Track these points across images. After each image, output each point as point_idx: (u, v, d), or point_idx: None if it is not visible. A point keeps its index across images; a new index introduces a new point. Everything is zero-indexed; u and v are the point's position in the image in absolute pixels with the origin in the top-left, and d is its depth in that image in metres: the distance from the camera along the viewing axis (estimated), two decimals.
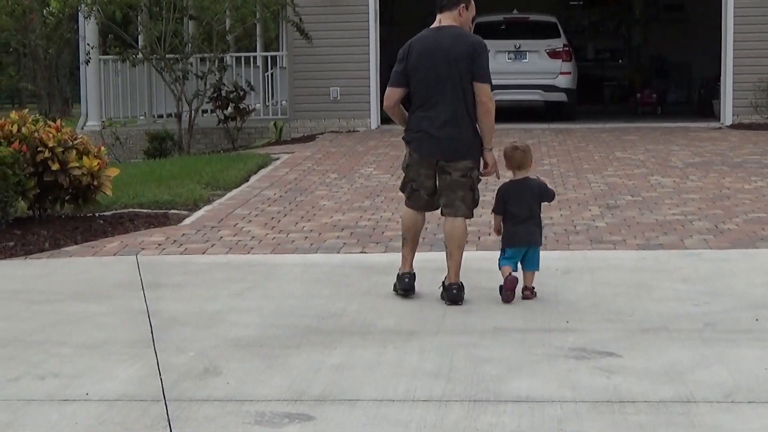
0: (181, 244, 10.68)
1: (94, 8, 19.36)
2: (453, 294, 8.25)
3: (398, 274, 8.64)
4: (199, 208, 12.70)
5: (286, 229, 11.36)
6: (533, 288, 8.41)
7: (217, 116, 20.63)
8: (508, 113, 22.25)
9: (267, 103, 23.13)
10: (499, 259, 8.47)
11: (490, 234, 10.77)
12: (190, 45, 19.74)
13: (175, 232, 11.30)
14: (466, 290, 8.35)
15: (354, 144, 18.49)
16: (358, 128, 20.92)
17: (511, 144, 8.65)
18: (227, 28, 20.74)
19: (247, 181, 14.83)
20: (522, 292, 8.35)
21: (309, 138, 19.94)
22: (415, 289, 8.55)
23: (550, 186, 9.23)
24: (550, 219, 11.40)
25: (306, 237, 10.97)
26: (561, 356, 6.92)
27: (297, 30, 20.12)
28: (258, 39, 32.51)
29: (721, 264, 9.48)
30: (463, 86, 8.18)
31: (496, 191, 8.73)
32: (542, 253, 8.81)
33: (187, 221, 11.94)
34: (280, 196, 13.39)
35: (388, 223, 11.55)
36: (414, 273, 8.57)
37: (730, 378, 6.43)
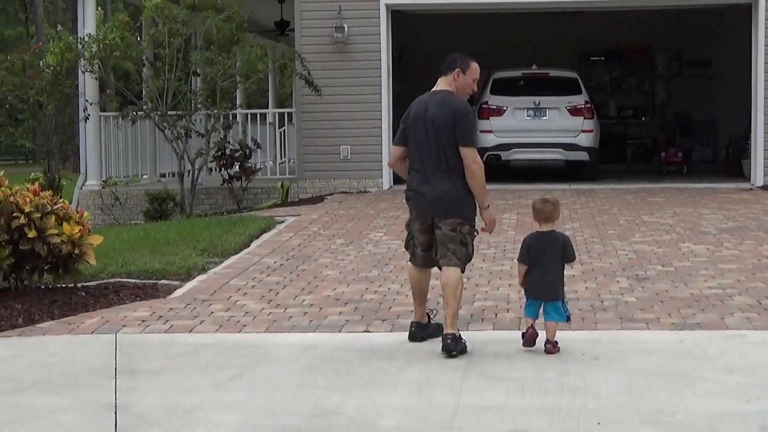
0: (167, 321, 9.65)
1: (93, 63, 18.47)
2: (447, 344, 8.40)
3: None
4: (192, 278, 11.69)
5: (284, 303, 10.33)
6: (555, 342, 8.38)
7: (222, 176, 19.65)
8: (527, 173, 21.34)
9: (278, 162, 22.22)
10: (525, 309, 8.64)
11: (508, 310, 9.78)
12: (193, 101, 18.77)
13: (162, 305, 10.27)
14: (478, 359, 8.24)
15: (364, 206, 17.48)
16: (370, 189, 19.94)
17: (541, 196, 8.74)
18: (236, 84, 19.74)
19: (248, 246, 13.82)
20: (544, 346, 8.37)
21: (317, 199, 18.96)
22: (425, 338, 8.80)
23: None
24: (575, 292, 10.37)
25: (305, 312, 9.94)
26: None
27: (306, 83, 19.16)
28: (270, 95, 31.76)
29: None
30: (446, 150, 8.52)
31: (521, 242, 8.76)
32: (568, 334, 8.46)
33: (178, 293, 10.92)
34: (281, 265, 12.38)
35: (397, 297, 10.52)
36: (422, 323, 8.88)
37: None
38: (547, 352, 8.31)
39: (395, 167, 9.11)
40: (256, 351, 8.68)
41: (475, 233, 8.69)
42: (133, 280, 11.45)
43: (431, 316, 9.06)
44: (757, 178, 19.74)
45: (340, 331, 9.26)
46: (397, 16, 22.78)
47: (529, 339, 8.42)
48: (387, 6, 20.14)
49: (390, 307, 10.09)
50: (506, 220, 15.37)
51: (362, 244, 13.72)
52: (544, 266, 8.48)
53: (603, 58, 29.07)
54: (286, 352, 8.61)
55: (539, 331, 8.45)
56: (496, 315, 9.68)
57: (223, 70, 18.50)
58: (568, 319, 8.55)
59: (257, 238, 14.45)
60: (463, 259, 8.60)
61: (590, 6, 22.67)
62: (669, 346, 8.53)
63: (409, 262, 9.04)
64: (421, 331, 8.84)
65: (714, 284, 10.80)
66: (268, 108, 29.67)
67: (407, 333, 8.92)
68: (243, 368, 8.16)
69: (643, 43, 28.58)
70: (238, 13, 18.63)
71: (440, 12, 23.34)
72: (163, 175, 22.63)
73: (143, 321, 9.63)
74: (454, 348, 8.34)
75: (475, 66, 8.78)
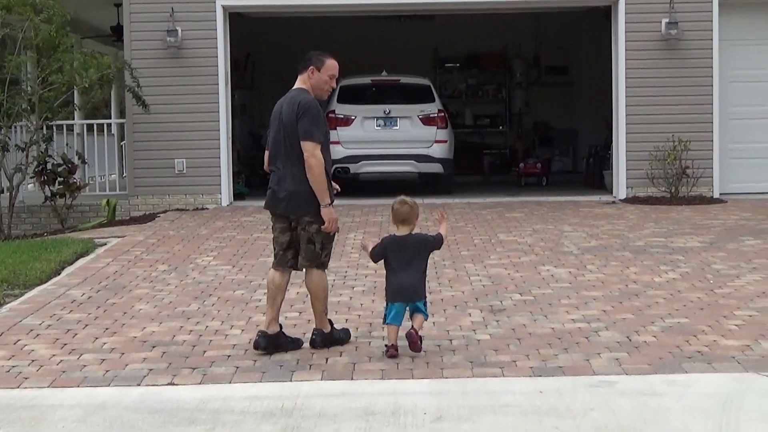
0: None
1: None
2: (312, 339, 8.58)
3: None
4: None
5: (80, 348, 8.77)
6: (416, 334, 8.25)
7: (44, 192, 17.89)
8: (377, 187, 19.92)
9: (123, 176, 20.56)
10: (384, 316, 8.45)
11: (341, 354, 8.38)
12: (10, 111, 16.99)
13: None
14: None
15: (197, 225, 15.92)
16: (208, 205, 18.38)
17: (400, 197, 8.58)
18: (61, 93, 18.01)
19: (58, 275, 12.21)
20: (406, 336, 8.23)
21: (149, 217, 17.34)
22: (266, 347, 8.45)
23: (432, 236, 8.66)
24: (420, 330, 8.98)
25: (103, 360, 8.39)
26: None
27: (134, 97, 17.54)
28: (112, 103, 29.87)
29: (644, 400, 7.10)
30: (293, 146, 8.49)
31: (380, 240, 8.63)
32: (408, 384, 7.50)
33: None
34: (89, 298, 10.79)
35: (214, 338, 9.03)
36: (268, 333, 8.51)
37: None
38: (412, 341, 8.19)
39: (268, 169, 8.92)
40: (30, 414, 7.11)
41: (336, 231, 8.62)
42: None
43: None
44: (620, 191, 18.68)
45: (139, 384, 7.74)
46: (238, 19, 21.32)
47: (392, 356, 8.22)
48: (224, 8, 18.56)
49: (204, 351, 8.59)
50: (350, 240, 14.00)
51: (187, 271, 12.20)
52: (405, 269, 8.35)
53: (459, 64, 27.87)
54: (67, 415, 7.05)
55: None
56: (326, 360, 8.26)
57: (42, 77, 16.78)
58: (427, 317, 8.49)
59: (71, 264, 12.84)
60: (313, 258, 8.51)
61: (442, 8, 21.33)
62: (527, 399, 7.17)
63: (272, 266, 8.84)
64: (264, 341, 8.50)
65: (578, 316, 9.53)
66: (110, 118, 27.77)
67: (220, 385, 7.63)
68: None
69: (500, 50, 27.49)
70: (60, 14, 16.88)
71: (282, 15, 21.89)
72: None
73: None
74: (318, 344, 8.50)
75: (331, 63, 8.69)
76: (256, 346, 8.47)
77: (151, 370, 8.09)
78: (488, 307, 10.02)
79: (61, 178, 17.69)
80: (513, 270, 11.84)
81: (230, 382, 7.75)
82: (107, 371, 8.08)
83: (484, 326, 9.25)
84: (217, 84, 18.43)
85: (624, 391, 7.31)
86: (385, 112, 19.83)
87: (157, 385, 7.71)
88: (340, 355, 8.37)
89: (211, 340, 8.95)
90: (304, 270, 8.64)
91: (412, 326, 8.27)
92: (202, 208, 18.18)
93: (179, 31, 18.25)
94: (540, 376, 7.72)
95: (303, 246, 8.51)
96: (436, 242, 8.59)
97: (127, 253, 13.49)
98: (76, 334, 9.24)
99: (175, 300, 10.62)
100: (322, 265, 8.59)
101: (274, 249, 8.74)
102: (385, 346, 8.35)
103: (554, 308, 9.88)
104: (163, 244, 14.15)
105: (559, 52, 26.81)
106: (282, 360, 8.26)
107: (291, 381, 7.73)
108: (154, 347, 8.75)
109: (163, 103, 18.23)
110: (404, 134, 19.79)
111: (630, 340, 8.64)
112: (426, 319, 8.46)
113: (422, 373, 7.84)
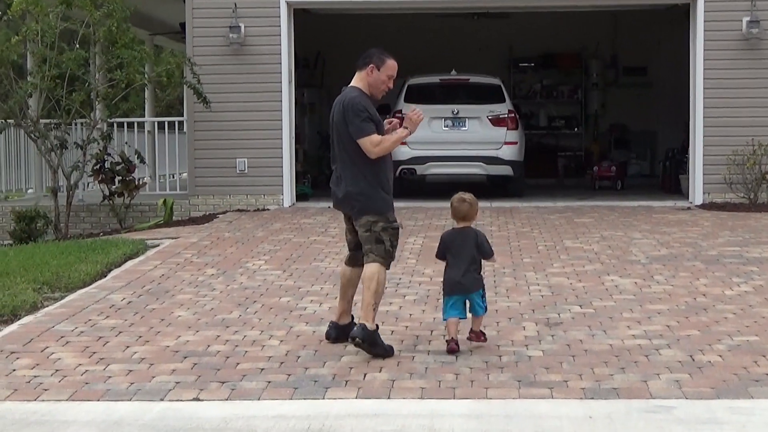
0: None
1: None
2: (353, 332, 8.23)
3: None
4: (16, 321, 9.66)
5: (109, 357, 8.32)
6: (479, 332, 8.46)
7: (102, 191, 17.56)
8: (445, 189, 19.29)
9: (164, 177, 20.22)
10: (443, 311, 8.48)
11: (381, 369, 7.84)
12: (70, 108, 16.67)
13: None
14: None
15: (254, 227, 15.46)
16: (269, 206, 17.92)
17: (459, 194, 8.65)
18: (122, 89, 17.70)
19: (104, 277, 11.82)
20: (468, 335, 8.45)
21: (208, 218, 16.93)
22: (336, 337, 8.58)
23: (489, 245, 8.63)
24: (469, 342, 8.45)
25: (130, 371, 7.93)
26: None
27: (195, 93, 17.13)
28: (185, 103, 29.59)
29: (703, 429, 6.48)
30: (345, 147, 8.43)
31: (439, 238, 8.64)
32: (445, 405, 7.01)
33: None
34: (129, 303, 10.36)
35: (250, 349, 8.53)
36: (340, 324, 8.64)
37: None
38: (469, 339, 8.41)
39: None
40: (41, 431, 6.66)
41: (400, 227, 8.61)
42: None
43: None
44: (696, 196, 17.94)
45: (162, 399, 7.26)
46: (307, 17, 20.92)
47: (452, 351, 8.23)
48: (288, 3, 18.07)
49: (237, 364, 8.09)
50: (409, 245, 13.43)
51: (235, 275, 11.73)
52: (462, 262, 8.38)
53: (533, 64, 27.15)
54: None
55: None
56: (364, 376, 7.72)
57: (101, 72, 16.44)
58: (484, 310, 8.49)
59: (119, 266, 12.44)
60: (384, 255, 8.34)
61: (517, 6, 20.71)
62: (574, 426, 6.58)
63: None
64: (334, 332, 8.66)
65: (639, 332, 8.90)
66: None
67: (247, 402, 7.18)
68: None
69: (577, 49, 26.73)
70: (121, 8, 16.52)
71: (349, 12, 21.33)
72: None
73: None
74: (358, 335, 8.14)
75: (391, 63, 8.53)
76: (328, 336, 8.65)
77: (178, 383, 7.61)
78: (545, 319, 9.43)
79: (120, 177, 17.33)
80: (575, 279, 11.23)
81: (259, 398, 7.25)
82: (132, 383, 7.61)
83: (538, 341, 8.66)
84: (281, 82, 17.97)
85: (681, 418, 6.69)
86: (453, 112, 19.24)
87: (181, 401, 7.23)
88: (380, 371, 7.83)
89: (246, 351, 8.45)
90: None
91: (471, 330, 8.44)
92: (264, 209, 17.73)
93: (242, 27, 17.80)
94: (592, 398, 7.13)
95: (371, 246, 8.34)
96: (487, 250, 8.55)
97: (177, 255, 13.06)
98: (107, 342, 8.80)
99: (216, 307, 10.15)
100: (389, 263, 8.44)
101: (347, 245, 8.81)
102: (446, 341, 8.33)
103: (615, 322, 9.27)
104: (216, 247, 13.70)
105: (637, 52, 25.98)
106: (317, 375, 7.75)
107: (324, 398, 7.21)
108: (185, 358, 8.28)
109: (225, 101, 17.82)
110: (473, 135, 19.18)
111: (693, 359, 8.02)
112: (484, 314, 8.50)
113: (464, 392, 7.28)
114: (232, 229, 15.39)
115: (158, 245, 13.94)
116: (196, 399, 7.27)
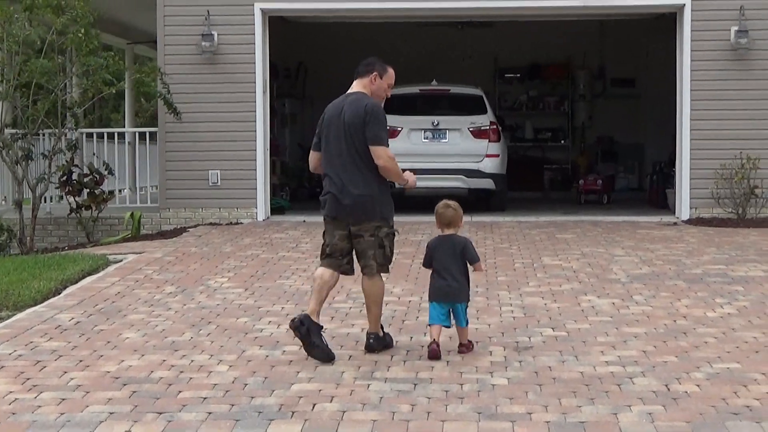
0: None
1: None
2: (368, 343, 8.62)
3: None
4: None
5: (43, 384, 7.74)
6: (467, 343, 8.57)
7: (69, 204, 16.99)
8: (425, 203, 18.72)
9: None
10: (429, 316, 8.58)
11: (332, 400, 7.25)
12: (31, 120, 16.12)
13: None
14: None
15: (223, 242, 14.90)
16: (243, 219, 17.37)
17: (444, 201, 8.78)
18: (90, 98, 17.17)
19: (58, 294, 11.26)
20: (458, 348, 8.56)
21: (178, 232, 16.38)
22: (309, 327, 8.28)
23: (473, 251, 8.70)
24: (431, 369, 7.91)
25: (62, 399, 7.35)
26: None
27: (165, 104, 16.58)
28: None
29: None
30: (359, 150, 8.44)
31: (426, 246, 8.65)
32: None
33: None
34: (77, 323, 9.79)
35: (195, 376, 7.95)
36: (311, 320, 8.37)
37: None
38: (460, 352, 8.47)
39: (318, 171, 8.86)
40: None
41: (396, 233, 8.80)
42: None
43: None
44: (683, 211, 17.42)
45: None
46: (288, 26, 20.38)
47: (433, 355, 8.30)
48: (263, 11, 17.54)
49: (179, 392, 7.52)
50: None
51: (194, 294, 11.17)
52: (449, 269, 8.49)
53: (519, 75, 26.63)
54: None
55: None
56: (313, 407, 7.14)
57: (65, 81, 15.89)
58: (466, 323, 8.58)
59: (75, 283, 11.89)
60: (383, 261, 8.59)
61: (500, 15, 20.14)
62: None
63: (321, 265, 8.75)
64: (308, 320, 8.41)
65: (613, 357, 8.35)
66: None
67: None
68: None
69: (564, 60, 26.22)
70: (84, 14, 15.94)
71: (327, 19, 20.72)
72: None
73: None
74: (375, 348, 8.55)
75: (392, 72, 8.73)
76: (295, 327, 8.37)
77: (111, 413, 7.03)
78: (514, 344, 8.87)
79: (87, 189, 16.77)
80: (551, 300, 10.68)
81: None
82: (61, 414, 7.02)
83: (504, 368, 8.10)
84: (255, 92, 17.44)
85: None
86: (433, 123, 18.72)
87: None
88: (330, 401, 7.25)
89: (191, 378, 7.88)
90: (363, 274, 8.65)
91: (460, 343, 8.57)
92: (236, 223, 17.18)
93: (215, 35, 17.29)
94: None
95: (373, 251, 8.52)
96: (472, 256, 8.67)
97: (138, 271, 12.50)
98: (44, 367, 8.22)
99: (168, 328, 9.58)
100: (388, 267, 8.70)
101: (326, 251, 8.68)
102: (428, 345, 8.41)
103: (588, 347, 8.71)
104: (179, 263, 13.15)
105: (625, 64, 25.54)
106: (263, 405, 7.17)
107: None
108: (125, 385, 7.70)
109: (197, 111, 17.32)
110: (453, 147, 18.67)
111: (669, 389, 7.45)
112: (466, 326, 8.59)
113: (419, 426, 6.70)
114: (199, 243, 14.83)
115: (121, 260, 13.39)
116: None
